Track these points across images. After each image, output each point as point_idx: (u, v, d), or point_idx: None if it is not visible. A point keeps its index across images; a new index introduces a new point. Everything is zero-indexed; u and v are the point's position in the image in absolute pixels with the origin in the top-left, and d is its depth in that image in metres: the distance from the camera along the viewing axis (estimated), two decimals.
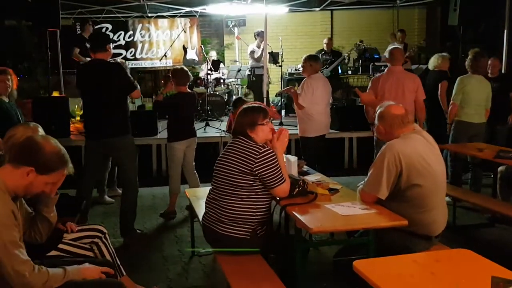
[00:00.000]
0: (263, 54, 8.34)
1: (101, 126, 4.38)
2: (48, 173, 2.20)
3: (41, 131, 3.04)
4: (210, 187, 3.18)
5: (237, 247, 2.97)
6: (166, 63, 9.44)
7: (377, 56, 10.12)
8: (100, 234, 3.08)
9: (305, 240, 3.14)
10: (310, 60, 5.57)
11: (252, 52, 9.41)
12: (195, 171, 5.30)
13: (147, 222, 5.14)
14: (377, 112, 3.14)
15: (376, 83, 5.15)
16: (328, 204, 3.01)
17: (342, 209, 2.93)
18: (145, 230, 4.87)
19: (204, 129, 7.64)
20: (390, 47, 5.45)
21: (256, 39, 9.48)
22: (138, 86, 4.51)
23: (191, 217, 4.46)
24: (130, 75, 4.55)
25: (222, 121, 8.32)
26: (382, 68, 9.24)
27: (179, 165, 5.20)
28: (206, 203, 3.17)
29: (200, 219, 3.31)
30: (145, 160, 7.01)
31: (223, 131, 7.16)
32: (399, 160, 2.89)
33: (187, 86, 5.15)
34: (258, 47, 9.36)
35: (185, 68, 5.25)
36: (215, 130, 7.54)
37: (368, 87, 5.24)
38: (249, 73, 9.53)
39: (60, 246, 2.85)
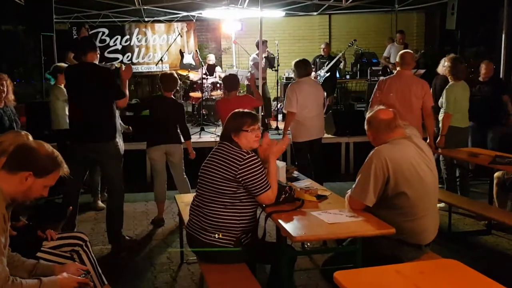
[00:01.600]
0: (260, 58, 8.27)
1: (85, 130, 4.29)
2: (45, 175, 2.25)
3: (31, 139, 2.98)
4: (195, 194, 3.10)
5: (221, 256, 2.88)
6: (162, 68, 9.41)
7: (375, 61, 10.04)
8: (81, 242, 3.00)
9: (291, 248, 3.05)
10: (294, 65, 5.52)
11: (256, 63, 9.27)
12: (185, 177, 5.20)
13: (138, 229, 5.07)
14: (366, 117, 3.07)
15: (382, 84, 5.06)
16: (315, 212, 2.93)
17: (329, 216, 2.84)
18: (135, 237, 4.80)
19: (199, 134, 7.57)
20: (401, 51, 5.28)
21: (258, 48, 9.35)
22: (127, 95, 4.41)
23: (180, 224, 4.38)
24: (118, 83, 4.46)
25: (217, 125, 8.25)
26: (380, 72, 9.20)
27: (161, 172, 5.10)
28: (190, 210, 3.09)
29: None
30: (139, 165, 6.95)
31: (218, 135, 7.09)
32: (386, 166, 2.80)
33: (171, 92, 5.08)
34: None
35: (174, 75, 5.18)
36: (210, 135, 7.47)
37: (375, 89, 5.14)
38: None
39: (39, 254, 2.77)
